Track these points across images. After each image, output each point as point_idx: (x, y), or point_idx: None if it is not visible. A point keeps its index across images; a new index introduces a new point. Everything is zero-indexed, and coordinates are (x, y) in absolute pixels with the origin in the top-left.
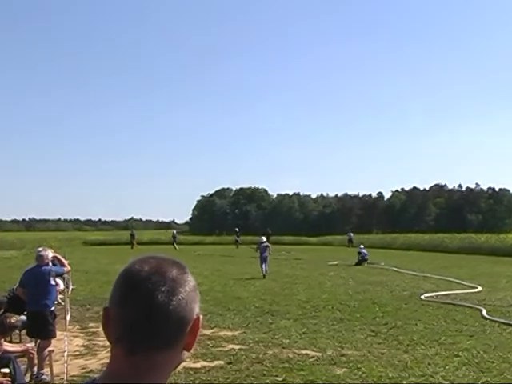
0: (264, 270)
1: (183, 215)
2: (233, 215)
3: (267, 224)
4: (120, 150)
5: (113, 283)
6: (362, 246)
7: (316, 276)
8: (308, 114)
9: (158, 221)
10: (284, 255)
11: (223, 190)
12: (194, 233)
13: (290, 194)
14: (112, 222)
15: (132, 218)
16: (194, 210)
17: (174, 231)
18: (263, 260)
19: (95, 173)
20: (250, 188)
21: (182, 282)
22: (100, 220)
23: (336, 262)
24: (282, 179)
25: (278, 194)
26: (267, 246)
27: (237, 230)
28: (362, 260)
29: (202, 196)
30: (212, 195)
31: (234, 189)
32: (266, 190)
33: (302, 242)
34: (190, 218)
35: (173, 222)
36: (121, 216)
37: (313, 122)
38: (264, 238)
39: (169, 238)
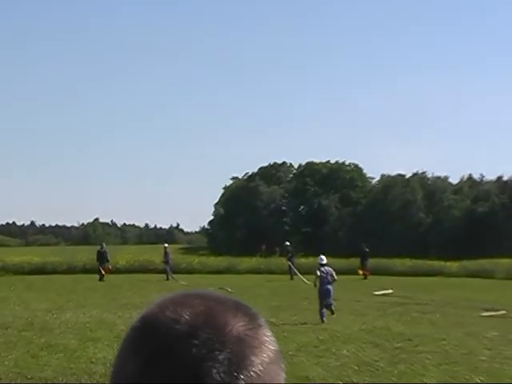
0: (323, 314)
1: (196, 217)
2: (294, 215)
3: (361, 234)
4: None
5: (118, 347)
6: None
7: (459, 338)
8: None
9: (147, 227)
10: (392, 295)
11: (274, 167)
12: (214, 250)
13: (408, 175)
14: (58, 228)
15: (97, 220)
16: (217, 205)
17: (166, 245)
18: (325, 295)
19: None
20: (327, 164)
21: (254, 343)
22: (34, 224)
23: (502, 312)
24: (387, 149)
25: (382, 176)
26: (330, 271)
27: (287, 243)
28: None
29: (235, 179)
30: (253, 177)
31: (295, 165)
32: (358, 168)
33: (429, 271)
34: (210, 222)
35: (176, 228)
36: (76, 217)
37: None
38: (323, 258)
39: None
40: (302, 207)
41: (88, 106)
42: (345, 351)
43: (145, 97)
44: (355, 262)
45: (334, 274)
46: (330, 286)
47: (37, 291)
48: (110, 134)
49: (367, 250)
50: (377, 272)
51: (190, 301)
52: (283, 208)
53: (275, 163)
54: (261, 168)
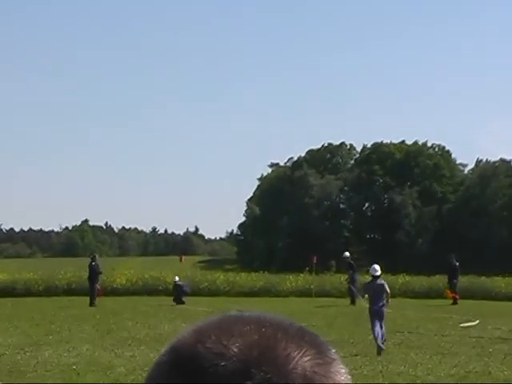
0: (380, 338)
1: (221, 219)
2: (356, 215)
3: (449, 242)
4: None
5: None
6: None
7: None
8: None
9: (155, 232)
10: (495, 328)
11: (329, 150)
12: (247, 263)
13: None
14: (33, 233)
15: (86, 222)
16: (250, 201)
17: (177, 278)
18: (376, 317)
19: None
20: (401, 145)
21: (326, 383)
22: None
23: None
24: (485, 126)
25: (478, 162)
26: (382, 286)
27: (347, 254)
28: None
29: (274, 166)
30: (299, 163)
31: (358, 147)
32: (445, 152)
33: None
34: (240, 225)
35: (195, 234)
36: (58, 219)
37: None
38: (377, 268)
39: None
40: (366, 205)
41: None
42: None
43: (158, 75)
44: (440, 280)
45: (387, 288)
46: (383, 308)
47: (4, 320)
48: (105, 112)
49: (457, 263)
50: (470, 295)
51: (239, 327)
52: (341, 206)
53: (330, 145)
54: (310, 151)
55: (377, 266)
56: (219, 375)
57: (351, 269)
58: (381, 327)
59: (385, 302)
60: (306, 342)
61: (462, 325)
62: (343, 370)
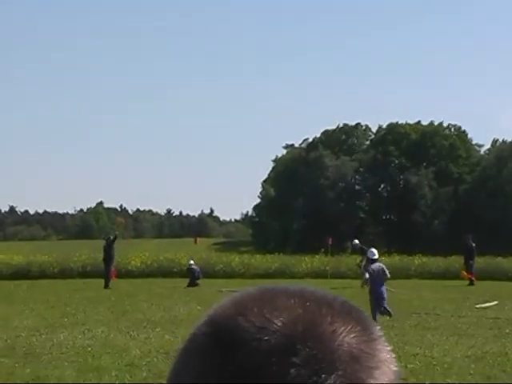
0: (388, 314)
1: (236, 201)
2: (372, 197)
3: (465, 223)
4: None
5: (175, 361)
6: None
7: None
8: None
9: (170, 214)
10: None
11: (344, 131)
12: (262, 245)
13: None
14: (48, 215)
15: (101, 204)
16: (265, 183)
17: (191, 262)
18: (378, 299)
19: None
20: (417, 126)
21: (372, 361)
22: (14, 211)
23: None
24: (502, 105)
25: (494, 142)
26: (382, 269)
27: (356, 242)
28: None
29: (289, 147)
30: (314, 144)
31: (373, 128)
32: (461, 132)
33: None
34: (255, 207)
35: (210, 216)
36: (73, 201)
37: None
38: (375, 252)
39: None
40: (382, 186)
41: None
42: None
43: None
44: (456, 261)
45: (387, 271)
46: (382, 287)
47: (19, 303)
48: (118, 96)
49: (473, 244)
50: (487, 276)
51: (282, 300)
52: (357, 187)
53: (345, 125)
54: (325, 132)
55: (374, 250)
56: (262, 350)
57: (363, 252)
58: (385, 302)
59: (384, 283)
60: (351, 318)
61: (478, 306)
62: (388, 348)
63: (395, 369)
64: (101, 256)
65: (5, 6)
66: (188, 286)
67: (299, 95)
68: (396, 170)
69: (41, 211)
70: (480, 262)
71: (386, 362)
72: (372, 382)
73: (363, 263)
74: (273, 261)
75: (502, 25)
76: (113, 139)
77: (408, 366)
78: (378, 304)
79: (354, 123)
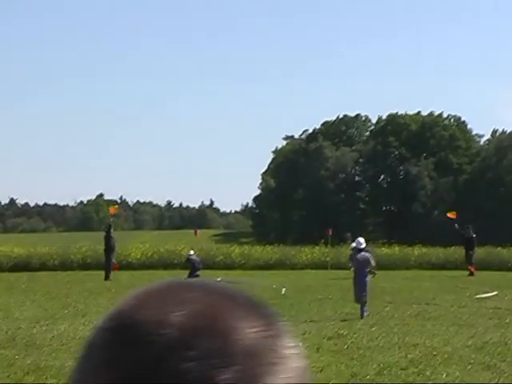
0: (363, 305)
1: (236, 192)
2: (372, 187)
3: (465, 213)
4: None
5: (80, 353)
6: None
7: None
8: None
9: (170, 206)
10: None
11: (344, 121)
12: (262, 236)
13: None
14: (48, 208)
15: (101, 196)
16: (265, 174)
17: (191, 252)
18: (360, 284)
19: None
20: (417, 116)
21: (272, 357)
22: (14, 203)
23: None
24: (501, 95)
25: (494, 133)
26: (367, 258)
27: (353, 245)
28: None
29: (289, 138)
30: (314, 135)
31: (373, 119)
32: (461, 123)
33: None
34: (255, 198)
35: (210, 207)
36: (73, 193)
37: None
38: (362, 241)
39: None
40: (382, 177)
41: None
42: (444, 375)
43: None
44: (456, 251)
45: (372, 261)
46: (367, 277)
47: (20, 294)
48: (117, 89)
49: (474, 235)
50: (487, 266)
51: (184, 294)
52: (357, 178)
53: (345, 116)
54: (325, 123)
55: (362, 239)
56: (161, 343)
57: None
58: (364, 292)
59: (367, 272)
60: (254, 314)
61: (477, 296)
62: (291, 344)
63: (297, 365)
64: (101, 248)
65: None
66: (188, 277)
67: (299, 86)
68: (396, 160)
69: (41, 203)
70: (480, 252)
71: (287, 359)
72: (269, 378)
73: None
74: (273, 252)
75: (502, 14)
76: (112, 131)
77: (408, 355)
78: (360, 292)
79: (353, 114)
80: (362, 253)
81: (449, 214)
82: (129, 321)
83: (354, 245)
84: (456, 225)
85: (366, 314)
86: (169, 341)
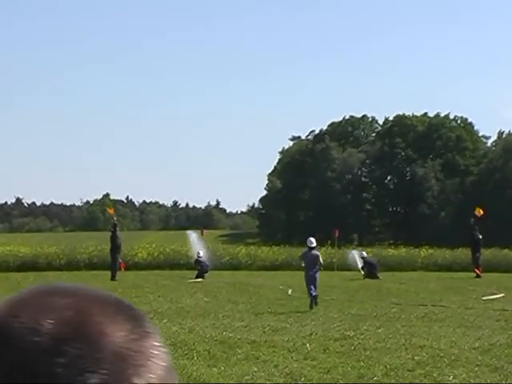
0: (312, 299)
1: (243, 193)
2: (378, 189)
3: (472, 215)
4: None
5: None
6: None
7: None
8: None
9: (176, 206)
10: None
11: (351, 123)
12: (268, 237)
13: None
14: (54, 207)
15: (107, 196)
16: (271, 175)
17: (201, 254)
18: (311, 281)
19: None
20: (423, 117)
21: (138, 359)
22: (20, 203)
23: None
24: (508, 97)
25: (500, 134)
26: (317, 256)
27: (364, 254)
28: None
29: (296, 139)
30: (320, 136)
31: (380, 120)
32: (468, 124)
33: None
34: (262, 199)
35: (216, 208)
36: (79, 193)
37: None
38: (313, 240)
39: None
40: (389, 178)
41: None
42: (451, 377)
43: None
44: (463, 253)
45: (321, 259)
46: (316, 274)
47: None
48: (123, 88)
49: (480, 237)
50: (493, 267)
51: (55, 301)
52: (363, 179)
53: (352, 117)
54: (332, 124)
55: (312, 239)
56: (31, 351)
57: (368, 263)
58: (315, 287)
59: (317, 269)
60: (121, 317)
61: (484, 298)
62: (157, 344)
63: (164, 364)
64: (107, 248)
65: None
66: (196, 278)
67: (306, 87)
68: (402, 161)
69: (47, 203)
70: (487, 253)
71: (154, 358)
72: (137, 379)
73: (364, 271)
74: (279, 253)
75: (508, 17)
76: (119, 131)
77: (415, 357)
78: (310, 286)
79: (360, 115)
80: (313, 251)
81: (476, 212)
82: (0, 327)
83: (359, 250)
84: (472, 219)
85: (314, 305)
86: (39, 348)
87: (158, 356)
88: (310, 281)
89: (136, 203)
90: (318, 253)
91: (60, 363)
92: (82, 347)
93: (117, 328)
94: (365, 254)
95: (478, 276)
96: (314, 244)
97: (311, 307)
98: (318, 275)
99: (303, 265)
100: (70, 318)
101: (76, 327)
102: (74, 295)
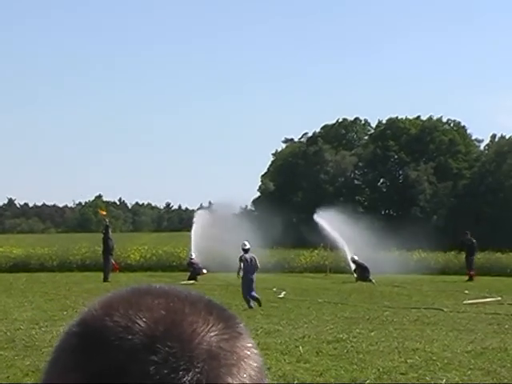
0: (249, 300)
1: (235, 195)
2: (371, 191)
3: (465, 219)
4: None
5: (51, 355)
6: None
7: None
8: None
9: (168, 208)
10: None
11: (343, 125)
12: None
13: None
14: (47, 208)
15: (100, 198)
16: (264, 177)
17: (193, 255)
18: (249, 286)
19: None
20: (416, 121)
21: (231, 359)
22: (13, 204)
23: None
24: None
25: (493, 138)
26: (252, 259)
27: (355, 258)
28: None
29: (289, 141)
30: (314, 139)
31: (373, 123)
32: (461, 127)
33: None
34: (255, 201)
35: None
36: (71, 195)
37: None
38: (246, 243)
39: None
40: (381, 181)
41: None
42: (444, 380)
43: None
44: (456, 256)
45: (257, 262)
46: (253, 276)
47: (19, 295)
48: (115, 89)
49: (474, 241)
50: (486, 271)
51: (148, 301)
52: (356, 182)
53: (345, 120)
54: (325, 127)
55: (246, 242)
56: (125, 349)
57: (359, 266)
58: (253, 290)
59: (254, 272)
60: (213, 317)
61: (476, 301)
62: (249, 345)
63: (256, 364)
64: (100, 249)
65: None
66: (188, 279)
67: (299, 89)
68: (395, 165)
69: (40, 204)
70: (479, 257)
71: (246, 359)
72: (230, 378)
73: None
74: (272, 255)
75: (502, 20)
76: (112, 132)
77: (408, 360)
78: (248, 290)
79: (353, 118)
80: (249, 254)
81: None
82: (95, 327)
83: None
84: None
85: (252, 305)
86: (133, 346)
87: (249, 357)
88: (250, 284)
89: (128, 205)
90: (254, 255)
91: (153, 361)
92: (174, 346)
93: (209, 328)
94: (356, 257)
95: (470, 279)
96: (248, 246)
97: (251, 307)
98: (254, 276)
99: (242, 268)
100: (162, 318)
101: (168, 326)
102: (166, 296)
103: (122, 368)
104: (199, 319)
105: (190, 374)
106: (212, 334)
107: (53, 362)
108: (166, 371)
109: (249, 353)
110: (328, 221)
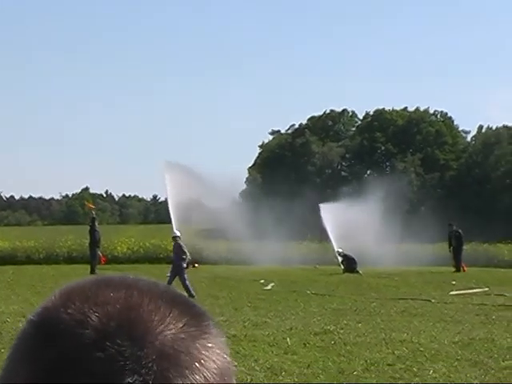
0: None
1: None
2: (358, 183)
3: (452, 210)
4: None
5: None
6: None
7: None
8: None
9: (155, 200)
10: (500, 295)
11: (331, 117)
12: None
13: None
14: (33, 201)
15: (87, 190)
16: (251, 169)
17: (178, 234)
18: (177, 272)
19: None
20: (403, 112)
21: (185, 360)
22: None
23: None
24: (487, 92)
25: (480, 129)
26: (180, 246)
27: (340, 250)
28: None
29: (275, 133)
30: (300, 130)
31: (360, 115)
32: (448, 118)
33: None
34: (242, 193)
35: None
36: (58, 187)
37: None
38: (176, 232)
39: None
40: (368, 173)
41: None
42: (431, 371)
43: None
44: (443, 248)
45: (185, 248)
46: (183, 262)
47: (5, 288)
48: (105, 81)
49: (460, 232)
50: (473, 263)
51: (106, 294)
52: (343, 174)
53: (332, 112)
54: (312, 118)
55: (176, 231)
56: (74, 343)
57: (345, 258)
58: (173, 278)
59: (182, 258)
60: (173, 314)
61: (463, 292)
62: (210, 345)
63: (215, 366)
64: (87, 241)
65: None
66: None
67: (285, 81)
68: (382, 156)
69: (26, 196)
70: (466, 248)
71: (203, 360)
72: (180, 380)
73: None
74: (260, 247)
75: (488, 11)
76: (99, 124)
77: (395, 352)
78: (174, 276)
79: (340, 109)
80: (177, 241)
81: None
82: (49, 318)
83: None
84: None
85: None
86: (82, 341)
87: (208, 358)
88: (177, 272)
89: (115, 197)
90: (182, 243)
91: (99, 358)
92: (124, 344)
93: (165, 326)
94: (340, 249)
95: (457, 270)
96: (178, 233)
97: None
98: (184, 265)
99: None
100: (116, 313)
101: (121, 322)
102: (128, 289)
103: (70, 364)
104: (156, 316)
105: (135, 374)
106: (167, 332)
107: (12, 351)
108: (110, 370)
109: (207, 353)
110: (325, 213)
